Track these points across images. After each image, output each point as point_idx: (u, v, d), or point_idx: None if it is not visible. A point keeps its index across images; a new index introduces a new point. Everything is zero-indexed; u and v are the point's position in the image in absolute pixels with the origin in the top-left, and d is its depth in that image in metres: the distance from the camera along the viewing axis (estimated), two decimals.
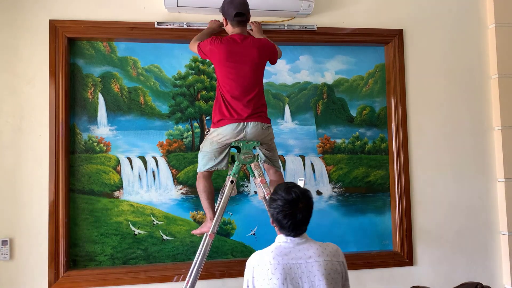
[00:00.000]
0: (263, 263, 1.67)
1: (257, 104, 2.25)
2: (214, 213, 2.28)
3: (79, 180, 2.63)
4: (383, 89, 2.97)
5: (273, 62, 2.43)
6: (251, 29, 2.61)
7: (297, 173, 2.84)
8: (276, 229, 1.82)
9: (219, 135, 2.22)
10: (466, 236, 2.94)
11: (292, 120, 2.86)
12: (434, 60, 2.98)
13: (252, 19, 2.69)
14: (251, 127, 2.21)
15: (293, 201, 1.71)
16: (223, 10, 2.31)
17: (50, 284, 2.48)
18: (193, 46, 2.43)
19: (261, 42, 2.34)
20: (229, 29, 2.33)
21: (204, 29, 2.59)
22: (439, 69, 2.99)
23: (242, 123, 2.20)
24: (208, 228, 2.26)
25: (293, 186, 1.76)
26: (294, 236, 1.75)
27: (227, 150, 2.29)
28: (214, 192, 2.36)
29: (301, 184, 2.00)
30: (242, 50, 2.24)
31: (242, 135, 2.22)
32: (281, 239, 1.76)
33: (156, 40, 2.70)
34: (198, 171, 2.33)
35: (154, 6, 2.69)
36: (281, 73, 2.86)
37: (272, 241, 2.61)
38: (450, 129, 2.97)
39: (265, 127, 2.26)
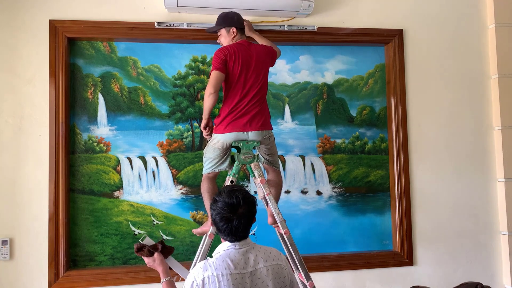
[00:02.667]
0: (212, 276, 1.56)
1: (258, 110, 2.26)
2: None
3: (79, 180, 2.63)
4: (383, 89, 2.97)
5: (272, 65, 2.47)
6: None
7: (297, 173, 2.84)
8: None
9: (218, 141, 2.25)
10: (466, 236, 2.94)
11: (292, 120, 2.86)
12: (434, 60, 2.98)
13: (252, 19, 2.71)
14: (251, 136, 2.24)
15: (232, 206, 1.62)
16: (230, 21, 2.35)
17: (50, 284, 2.48)
18: (210, 83, 2.21)
19: (265, 47, 2.39)
20: (237, 38, 2.36)
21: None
22: (439, 69, 2.99)
23: (243, 133, 2.22)
24: (209, 227, 2.26)
25: (237, 190, 1.67)
26: (231, 241, 1.65)
27: (228, 152, 2.33)
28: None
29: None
30: (252, 55, 2.28)
31: (243, 139, 2.25)
32: (226, 246, 1.66)
33: (156, 40, 2.70)
34: (203, 173, 2.37)
35: (154, 6, 2.68)
36: (281, 73, 2.86)
37: (273, 241, 2.62)
38: (450, 129, 2.97)
39: (266, 137, 2.29)
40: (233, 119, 2.22)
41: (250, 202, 1.67)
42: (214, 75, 2.20)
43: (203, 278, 1.56)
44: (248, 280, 1.59)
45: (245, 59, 2.25)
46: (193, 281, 1.57)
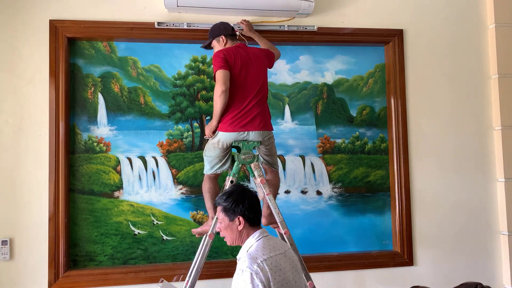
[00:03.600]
0: (264, 260, 1.63)
1: (259, 110, 2.27)
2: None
3: (79, 180, 2.63)
4: (383, 89, 2.97)
5: (271, 67, 2.49)
6: (242, 29, 2.62)
7: (297, 173, 2.84)
8: (241, 230, 1.78)
9: (219, 141, 2.25)
10: (466, 236, 2.94)
11: (292, 120, 2.86)
12: (434, 60, 2.98)
13: (252, 19, 2.71)
14: (252, 137, 2.25)
15: (244, 189, 1.86)
16: (218, 31, 2.38)
17: (50, 284, 2.48)
18: (219, 82, 2.18)
19: (263, 50, 2.42)
20: (229, 45, 2.38)
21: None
22: (439, 69, 2.98)
23: (244, 133, 2.23)
24: (209, 227, 2.27)
25: (230, 190, 1.87)
26: (256, 222, 1.81)
27: (229, 152, 2.33)
28: (218, 193, 2.37)
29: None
30: (249, 57, 2.29)
31: (243, 139, 2.26)
32: (255, 238, 1.76)
33: (156, 40, 2.70)
34: (204, 173, 2.37)
35: (154, 6, 2.68)
36: (281, 73, 2.86)
37: None
38: (450, 129, 2.97)
39: (267, 138, 2.30)
40: (235, 118, 2.22)
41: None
42: (221, 73, 2.18)
43: (258, 264, 1.62)
44: (286, 259, 1.72)
45: (244, 60, 2.26)
46: (251, 273, 1.59)
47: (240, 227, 1.77)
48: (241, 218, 1.77)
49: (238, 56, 2.25)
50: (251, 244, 1.74)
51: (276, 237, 1.86)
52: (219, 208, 1.83)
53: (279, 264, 1.66)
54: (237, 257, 1.77)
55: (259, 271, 1.59)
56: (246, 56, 2.28)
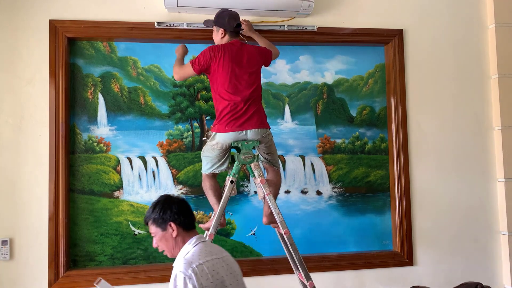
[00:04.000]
0: (200, 264, 1.61)
1: (255, 109, 2.27)
2: None
3: (79, 180, 2.63)
4: (383, 89, 2.97)
5: (267, 65, 2.48)
6: (242, 29, 2.61)
7: (297, 173, 2.84)
8: (176, 237, 1.73)
9: (218, 143, 2.25)
10: (466, 236, 2.94)
11: (292, 120, 2.86)
12: (434, 60, 2.98)
13: (252, 19, 2.71)
14: (250, 135, 2.25)
15: (168, 196, 1.82)
16: (221, 22, 2.35)
17: (50, 284, 2.48)
18: (181, 70, 2.35)
19: (258, 48, 2.41)
20: (226, 39, 2.37)
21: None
22: (439, 69, 2.98)
23: (242, 132, 2.23)
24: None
25: (154, 202, 1.80)
26: (191, 227, 1.77)
27: (228, 152, 2.33)
28: (220, 189, 2.38)
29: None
30: (243, 55, 2.29)
31: (242, 139, 2.25)
32: (193, 243, 1.72)
33: (156, 40, 2.70)
34: (203, 172, 2.37)
35: (154, 6, 2.68)
36: (281, 73, 2.86)
37: (272, 241, 2.62)
38: (450, 129, 2.97)
39: (265, 135, 2.30)
40: (232, 119, 2.22)
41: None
42: (189, 70, 2.30)
43: (193, 269, 1.59)
44: (224, 264, 1.69)
45: (235, 59, 2.25)
46: (184, 277, 1.56)
47: (174, 234, 1.71)
48: (173, 224, 1.71)
49: (227, 54, 2.24)
50: (188, 250, 1.70)
51: (214, 244, 1.82)
52: (149, 223, 1.76)
53: (216, 268, 1.63)
54: (174, 264, 1.70)
55: (193, 276, 1.55)
56: (239, 55, 2.27)
